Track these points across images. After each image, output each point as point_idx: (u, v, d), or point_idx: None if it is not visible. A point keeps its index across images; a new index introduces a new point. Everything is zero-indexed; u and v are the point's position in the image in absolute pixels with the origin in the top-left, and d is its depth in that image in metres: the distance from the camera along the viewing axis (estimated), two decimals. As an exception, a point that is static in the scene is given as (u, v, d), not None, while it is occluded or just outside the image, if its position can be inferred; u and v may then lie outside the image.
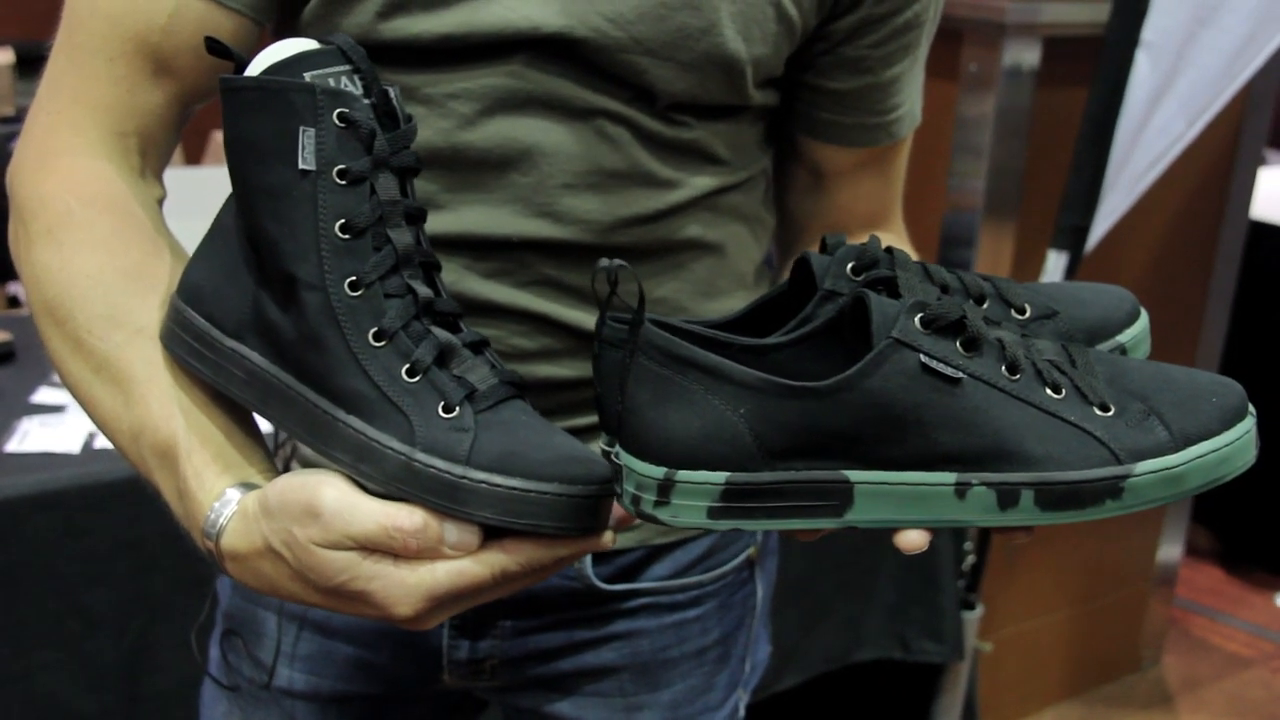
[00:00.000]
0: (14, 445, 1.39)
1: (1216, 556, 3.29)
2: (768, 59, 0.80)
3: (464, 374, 0.64)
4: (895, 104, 0.87)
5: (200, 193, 1.88)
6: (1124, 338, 0.70)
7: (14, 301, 3.18)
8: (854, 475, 0.61)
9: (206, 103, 0.80)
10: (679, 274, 0.85)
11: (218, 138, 2.12)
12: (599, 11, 0.75)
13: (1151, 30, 1.80)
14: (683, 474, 0.60)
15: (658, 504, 0.61)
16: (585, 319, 0.82)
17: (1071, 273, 1.89)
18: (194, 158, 2.25)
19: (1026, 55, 2.01)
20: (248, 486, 0.66)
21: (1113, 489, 0.60)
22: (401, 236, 0.64)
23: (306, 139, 0.63)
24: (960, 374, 0.60)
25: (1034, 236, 2.06)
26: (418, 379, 0.63)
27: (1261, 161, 2.49)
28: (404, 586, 0.60)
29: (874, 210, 0.93)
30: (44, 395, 1.55)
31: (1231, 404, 0.62)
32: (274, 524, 0.62)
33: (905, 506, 0.61)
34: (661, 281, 0.84)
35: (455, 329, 0.66)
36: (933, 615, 1.90)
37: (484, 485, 0.61)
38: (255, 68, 0.65)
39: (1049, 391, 0.61)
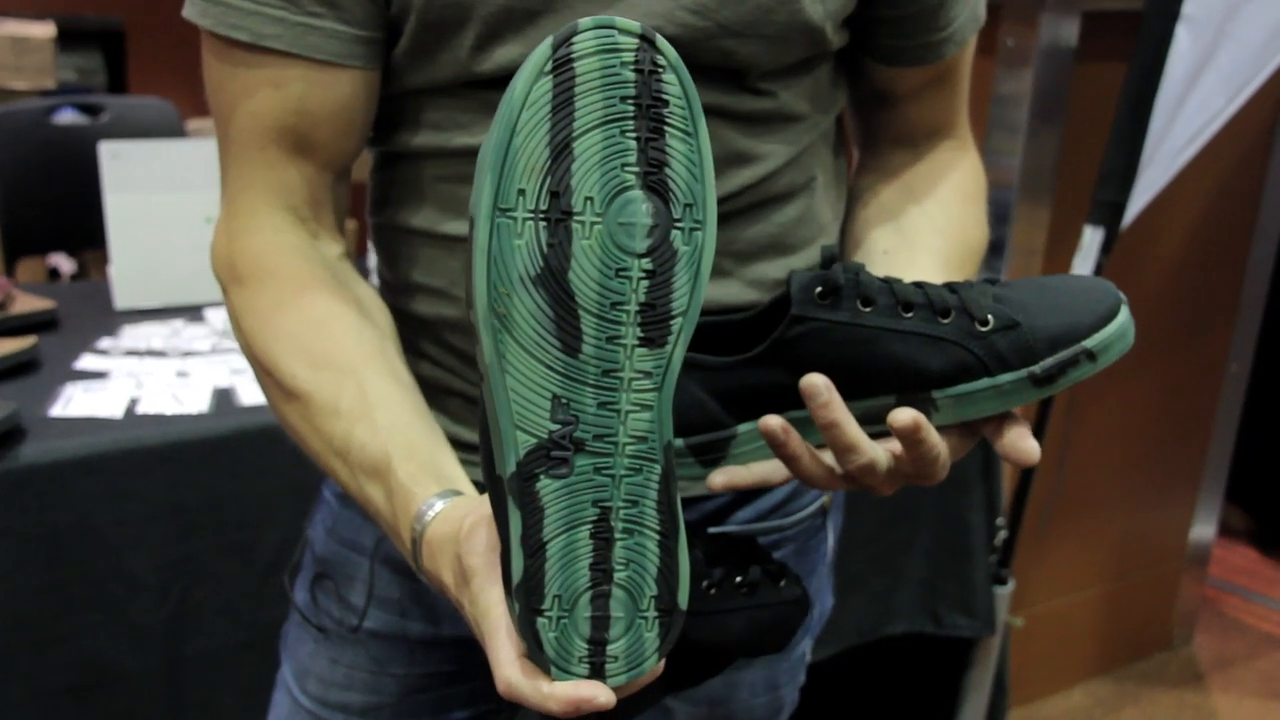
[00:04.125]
0: (58, 410, 1.41)
1: (1250, 537, 3.27)
2: (841, 7, 0.83)
3: None
4: (954, 15, 0.90)
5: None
6: (1090, 342, 0.71)
7: (54, 274, 3.22)
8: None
9: (356, 159, 0.87)
10: (758, 225, 0.86)
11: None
12: (683, 6, 0.78)
13: (1192, 4, 1.78)
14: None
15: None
16: None
17: (1108, 249, 1.88)
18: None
19: (1064, 31, 2.00)
20: (452, 493, 0.73)
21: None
22: None
23: None
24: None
25: (1070, 213, 2.05)
26: None
27: (1302, 138, 2.47)
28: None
29: (939, 119, 0.96)
30: (87, 362, 1.58)
31: None
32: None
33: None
34: (739, 233, 0.86)
35: None
36: (964, 590, 1.90)
37: None
38: None
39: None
